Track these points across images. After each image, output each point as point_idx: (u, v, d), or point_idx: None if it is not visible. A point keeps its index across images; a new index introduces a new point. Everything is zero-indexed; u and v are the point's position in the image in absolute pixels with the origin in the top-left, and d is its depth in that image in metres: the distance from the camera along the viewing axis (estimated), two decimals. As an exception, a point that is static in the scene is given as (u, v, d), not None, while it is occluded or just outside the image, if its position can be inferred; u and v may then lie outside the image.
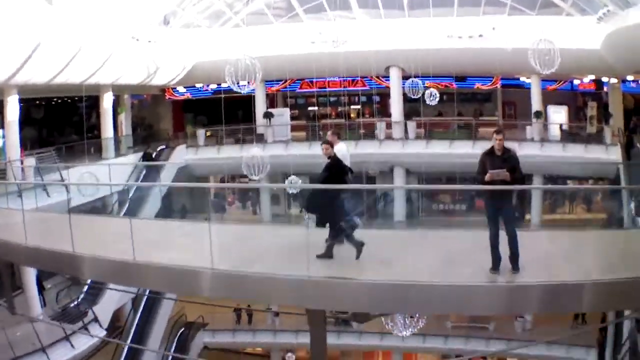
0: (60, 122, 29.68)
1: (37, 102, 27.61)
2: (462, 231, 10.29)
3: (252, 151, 14.05)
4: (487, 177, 7.70)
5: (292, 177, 14.43)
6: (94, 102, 25.48)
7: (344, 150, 9.63)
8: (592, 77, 28.15)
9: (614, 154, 22.74)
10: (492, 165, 7.70)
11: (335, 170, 8.81)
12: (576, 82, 29.59)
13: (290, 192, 15.59)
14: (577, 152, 23.47)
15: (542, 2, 24.22)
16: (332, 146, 8.99)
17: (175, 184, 23.29)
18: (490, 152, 7.91)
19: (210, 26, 26.60)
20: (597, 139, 24.22)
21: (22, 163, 18.74)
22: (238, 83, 12.13)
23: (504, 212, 7.77)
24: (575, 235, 10.34)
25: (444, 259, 8.30)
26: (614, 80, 26.86)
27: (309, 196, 10.10)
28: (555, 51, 12.49)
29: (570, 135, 25.30)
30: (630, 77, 26.55)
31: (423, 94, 19.76)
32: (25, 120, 22.97)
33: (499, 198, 7.79)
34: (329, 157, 8.86)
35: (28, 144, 23.14)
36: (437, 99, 18.81)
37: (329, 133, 10.13)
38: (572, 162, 23.29)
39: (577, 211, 27.12)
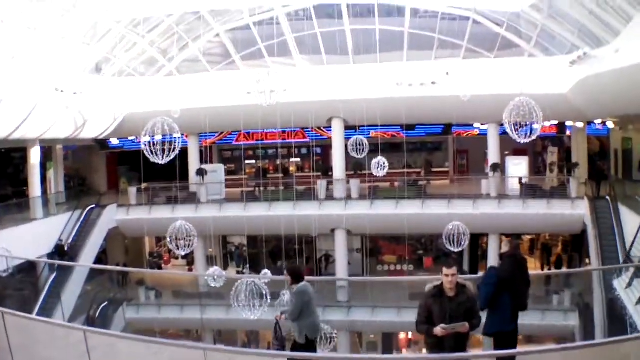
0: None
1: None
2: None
3: (177, 224, 12.92)
4: (438, 332, 5.64)
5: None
6: (25, 154, 23.46)
7: None
8: (555, 121, 26.50)
9: (580, 208, 21.06)
10: (442, 313, 5.73)
11: None
12: (536, 126, 27.93)
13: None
14: (540, 209, 21.67)
15: (502, 44, 22.61)
16: None
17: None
18: (438, 294, 5.85)
19: (143, 74, 24.83)
20: (561, 192, 22.42)
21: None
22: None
23: None
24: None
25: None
26: (579, 124, 25.19)
27: None
28: (538, 113, 10.37)
29: (531, 189, 23.24)
30: (597, 120, 24.88)
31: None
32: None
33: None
34: None
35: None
36: (387, 169, 16.88)
37: None
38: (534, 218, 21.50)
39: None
